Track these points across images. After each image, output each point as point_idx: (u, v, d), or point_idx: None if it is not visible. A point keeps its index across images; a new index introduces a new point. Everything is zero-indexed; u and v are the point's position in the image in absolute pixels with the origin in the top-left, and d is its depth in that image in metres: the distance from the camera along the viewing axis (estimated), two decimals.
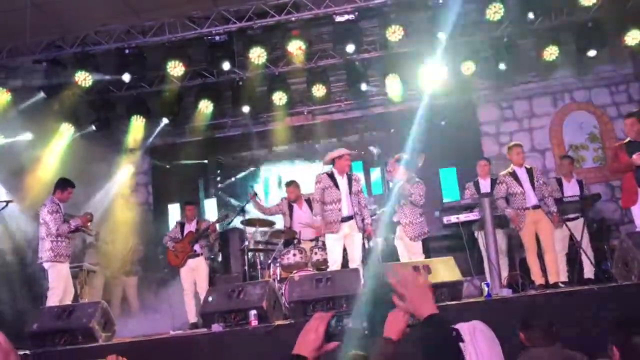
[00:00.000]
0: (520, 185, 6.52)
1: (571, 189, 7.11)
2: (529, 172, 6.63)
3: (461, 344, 1.62)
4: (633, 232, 5.60)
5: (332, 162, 6.65)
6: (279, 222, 8.12)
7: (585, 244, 6.60)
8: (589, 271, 6.55)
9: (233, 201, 10.10)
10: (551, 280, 6.22)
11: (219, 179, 10.56)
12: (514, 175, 6.61)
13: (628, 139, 6.18)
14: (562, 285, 6.11)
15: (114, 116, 9.05)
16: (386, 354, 2.11)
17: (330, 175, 6.54)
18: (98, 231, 7.78)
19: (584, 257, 6.43)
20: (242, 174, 10.35)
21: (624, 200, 6.19)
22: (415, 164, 6.78)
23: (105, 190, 9.27)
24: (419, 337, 1.59)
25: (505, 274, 6.60)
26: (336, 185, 6.49)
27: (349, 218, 6.41)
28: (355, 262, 6.32)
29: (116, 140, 9.39)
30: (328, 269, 6.29)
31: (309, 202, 7.84)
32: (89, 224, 6.75)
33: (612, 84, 9.35)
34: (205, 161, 10.42)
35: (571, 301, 4.80)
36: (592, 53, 8.19)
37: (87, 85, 8.06)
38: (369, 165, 9.83)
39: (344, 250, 6.47)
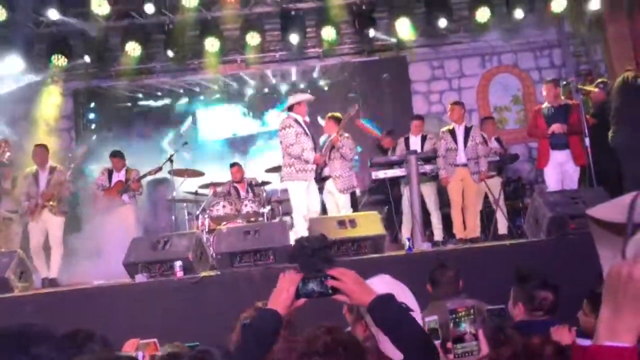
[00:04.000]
0: (456, 142, 6.78)
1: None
2: (467, 130, 6.86)
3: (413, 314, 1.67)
4: (544, 191, 5.98)
5: (290, 108, 6.23)
6: (209, 173, 7.98)
7: (501, 201, 6.99)
8: (502, 227, 6.96)
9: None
10: (469, 236, 6.57)
11: (92, 116, 9.70)
12: (452, 132, 6.85)
13: (545, 104, 6.52)
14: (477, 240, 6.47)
15: (35, 53, 8.50)
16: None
17: (297, 122, 6.11)
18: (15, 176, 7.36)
19: (499, 214, 6.81)
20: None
21: (538, 162, 6.59)
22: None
23: (24, 131, 8.67)
24: (379, 324, 1.64)
25: (439, 227, 6.96)
26: (306, 132, 6.11)
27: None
28: (315, 212, 6.12)
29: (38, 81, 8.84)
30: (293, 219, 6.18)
31: (251, 185, 7.76)
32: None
33: (537, 49, 9.70)
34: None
35: (484, 255, 5.13)
36: (519, 14, 8.48)
37: (3, 19, 7.57)
38: None
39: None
